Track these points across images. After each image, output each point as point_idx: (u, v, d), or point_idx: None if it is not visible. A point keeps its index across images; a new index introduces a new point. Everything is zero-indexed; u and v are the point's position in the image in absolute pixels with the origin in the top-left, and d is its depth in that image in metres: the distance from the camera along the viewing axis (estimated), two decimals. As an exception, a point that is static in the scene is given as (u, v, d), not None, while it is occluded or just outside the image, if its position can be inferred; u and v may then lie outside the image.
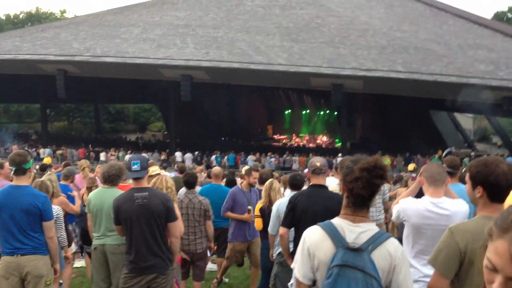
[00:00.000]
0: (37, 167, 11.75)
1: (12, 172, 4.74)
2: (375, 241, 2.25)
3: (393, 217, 3.78)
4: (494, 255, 1.02)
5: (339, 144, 38.36)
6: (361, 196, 2.27)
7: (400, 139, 31.52)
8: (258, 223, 6.63)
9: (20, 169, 4.64)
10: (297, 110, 45.95)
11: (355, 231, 2.28)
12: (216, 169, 8.52)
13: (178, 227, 4.82)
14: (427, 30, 32.17)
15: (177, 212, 5.38)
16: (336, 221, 2.34)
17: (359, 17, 33.92)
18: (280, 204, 5.86)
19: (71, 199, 7.54)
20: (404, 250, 2.43)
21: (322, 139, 44.40)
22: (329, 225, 2.33)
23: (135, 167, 4.77)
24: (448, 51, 28.71)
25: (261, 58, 28.26)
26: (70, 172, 8.39)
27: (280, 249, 5.78)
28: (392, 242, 2.29)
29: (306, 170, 12.15)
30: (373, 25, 32.57)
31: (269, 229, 5.73)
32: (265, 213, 6.32)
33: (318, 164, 4.79)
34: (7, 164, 5.64)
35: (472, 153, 30.52)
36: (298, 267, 2.37)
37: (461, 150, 32.32)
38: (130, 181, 5.19)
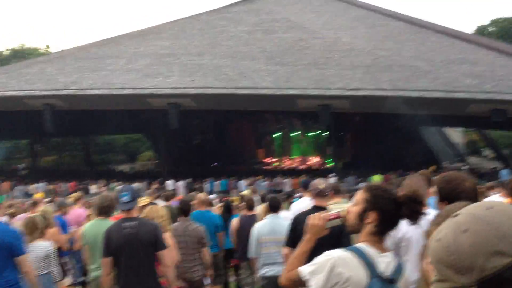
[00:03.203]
0: (29, 202, 11.63)
1: None
2: (400, 271, 2.29)
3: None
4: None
5: (331, 164, 38.41)
6: (395, 224, 2.32)
7: (392, 156, 31.64)
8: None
9: None
10: (286, 132, 46.08)
11: (384, 260, 2.27)
12: (201, 195, 8.54)
13: (168, 256, 4.77)
14: (410, 48, 32.60)
15: (170, 241, 5.37)
16: (364, 248, 2.29)
17: (342, 38, 34.31)
18: (258, 228, 5.86)
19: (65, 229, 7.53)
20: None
21: (313, 160, 44.46)
22: (360, 252, 2.26)
23: (124, 199, 4.79)
24: (432, 67, 29.07)
25: (247, 83, 28.44)
26: (61, 204, 8.41)
27: (262, 272, 5.77)
28: (405, 271, 2.35)
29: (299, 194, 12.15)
30: (357, 45, 32.96)
31: (249, 253, 5.72)
32: None
33: (322, 186, 4.86)
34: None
35: (464, 167, 30.69)
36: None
37: (453, 164, 32.46)
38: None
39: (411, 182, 3.77)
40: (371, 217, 2.31)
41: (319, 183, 4.99)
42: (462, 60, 30.04)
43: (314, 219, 2.57)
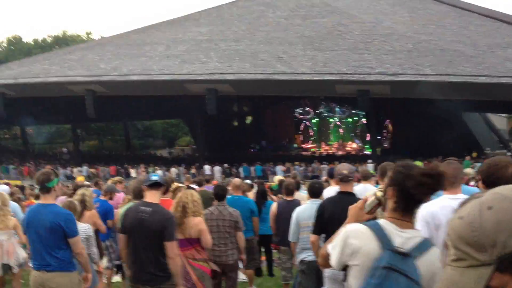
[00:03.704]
0: (69, 186, 11.94)
1: (38, 191, 4.83)
2: (421, 248, 2.24)
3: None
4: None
5: (369, 150, 37.95)
6: (416, 201, 2.28)
7: (433, 142, 30.96)
8: None
9: (44, 188, 4.75)
10: (324, 118, 45.72)
11: (402, 236, 2.26)
12: (236, 180, 8.56)
13: (173, 247, 4.76)
14: (453, 32, 31.72)
15: (203, 225, 5.40)
16: (383, 223, 2.31)
17: (383, 22, 33.65)
18: (298, 212, 5.82)
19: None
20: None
21: (352, 146, 44.02)
22: (376, 226, 2.29)
23: (153, 177, 4.97)
24: (476, 51, 28.22)
25: (285, 68, 28.27)
26: (110, 189, 8.55)
27: (301, 257, 5.74)
28: (435, 250, 2.28)
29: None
30: (398, 29, 32.27)
31: (289, 237, 5.72)
32: None
33: (345, 171, 4.81)
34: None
35: (508, 154, 29.81)
36: (335, 260, 2.34)
37: (496, 151, 31.61)
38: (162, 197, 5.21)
39: (446, 167, 3.65)
40: (389, 192, 2.32)
41: (343, 168, 4.92)
42: (507, 44, 29.03)
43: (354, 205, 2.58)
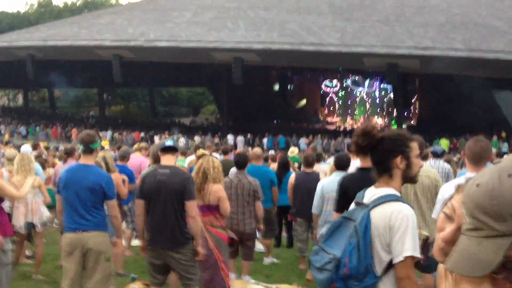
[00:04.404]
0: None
1: (81, 151, 4.91)
2: (377, 201, 2.42)
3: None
4: (458, 203, 1.11)
5: (395, 126, 37.48)
6: (376, 163, 2.54)
7: (460, 120, 30.35)
8: None
9: (88, 149, 4.81)
10: (351, 91, 45.16)
11: (374, 193, 2.49)
12: (257, 150, 8.52)
13: (194, 207, 4.82)
14: (488, 6, 30.69)
15: (222, 193, 5.39)
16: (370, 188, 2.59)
17: (415, -6, 32.77)
18: (324, 185, 5.75)
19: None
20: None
21: (378, 121, 43.55)
22: (360, 192, 2.60)
23: (167, 143, 5.07)
24: (511, 27, 27.33)
25: (313, 39, 27.82)
26: (125, 153, 8.49)
27: (323, 230, 5.67)
28: (395, 204, 2.40)
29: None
30: (430, 1, 31.38)
31: (312, 209, 5.67)
32: None
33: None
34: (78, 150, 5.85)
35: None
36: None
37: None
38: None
39: (473, 145, 3.53)
40: None
41: None
42: (545, 20, 28.05)
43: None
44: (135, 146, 10.88)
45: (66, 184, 4.77)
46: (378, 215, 2.37)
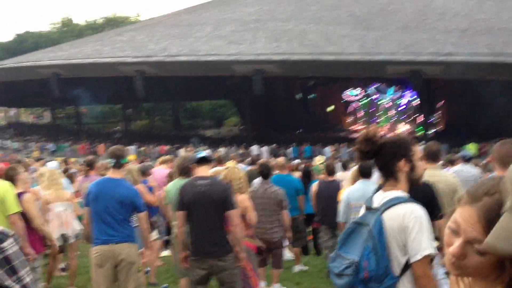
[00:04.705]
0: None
1: (110, 165, 5.04)
2: (388, 203, 2.47)
3: None
4: (460, 218, 1.13)
5: (420, 133, 37.13)
6: (381, 167, 2.60)
7: (489, 125, 29.92)
8: None
9: (118, 163, 4.95)
10: (374, 99, 44.92)
11: (383, 196, 2.54)
12: (281, 159, 8.57)
13: (236, 215, 4.88)
14: (510, 10, 30.33)
15: (247, 202, 5.43)
16: (377, 192, 2.65)
17: (436, 1, 32.56)
18: (349, 193, 5.75)
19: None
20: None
21: (402, 128, 43.14)
22: (369, 197, 2.67)
23: (202, 154, 5.11)
24: (534, 30, 26.96)
25: (333, 48, 27.83)
26: (146, 168, 8.67)
27: None
28: (406, 205, 2.45)
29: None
30: (452, 7, 31.15)
31: (338, 217, 5.69)
32: None
33: None
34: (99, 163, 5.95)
35: None
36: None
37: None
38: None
39: (499, 148, 3.50)
40: None
41: None
42: None
43: None
44: (160, 159, 11.03)
45: (96, 197, 4.86)
46: (391, 217, 2.42)
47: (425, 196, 4.34)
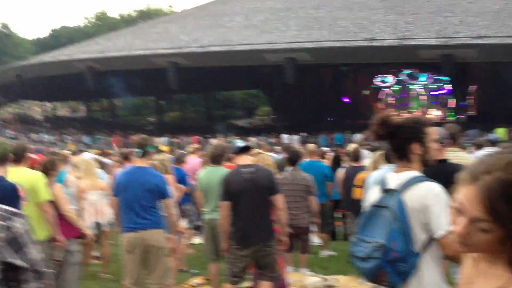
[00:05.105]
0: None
1: (136, 154, 5.22)
2: (407, 184, 2.52)
3: None
4: (463, 197, 1.15)
5: (452, 118, 36.53)
6: (394, 149, 2.67)
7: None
8: (358, 194, 6.63)
9: (144, 152, 5.12)
10: (406, 85, 44.27)
11: (398, 178, 2.59)
12: (311, 145, 8.65)
13: (282, 199, 5.01)
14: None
15: None
16: (386, 174, 2.74)
17: (469, -17, 31.87)
18: (374, 178, 5.75)
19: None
20: None
21: (434, 113, 42.45)
22: (380, 179, 2.76)
23: (239, 144, 5.25)
24: None
25: (365, 35, 27.63)
26: (180, 156, 8.89)
27: None
28: (425, 184, 2.52)
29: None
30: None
31: (363, 202, 5.69)
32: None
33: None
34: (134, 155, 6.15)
35: None
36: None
37: None
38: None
39: None
40: None
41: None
42: None
43: None
44: (189, 148, 11.26)
45: (125, 186, 5.05)
46: (411, 197, 2.48)
47: (443, 174, 4.34)
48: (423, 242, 2.48)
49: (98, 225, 7.00)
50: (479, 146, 7.86)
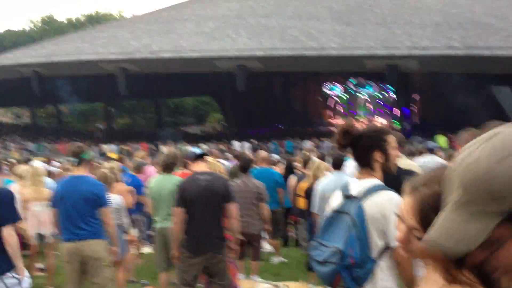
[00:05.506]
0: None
1: (74, 163, 5.16)
2: (368, 192, 2.61)
3: None
4: (403, 206, 1.19)
5: (397, 126, 37.70)
6: (357, 158, 2.78)
7: (462, 117, 30.54)
8: (301, 203, 6.82)
9: (78, 159, 5.06)
10: (353, 94, 45.47)
11: (360, 185, 2.68)
12: (263, 153, 8.78)
13: (236, 208, 5.11)
14: (483, 4, 30.98)
15: None
16: (350, 181, 2.82)
17: (411, -5, 33.09)
18: (324, 184, 5.96)
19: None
20: None
21: (380, 121, 43.74)
22: (343, 185, 2.83)
23: (198, 150, 5.35)
24: (506, 24, 27.57)
25: (314, 44, 28.16)
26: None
27: None
28: (384, 193, 2.62)
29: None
30: (427, 2, 31.70)
31: (314, 209, 5.86)
32: (310, 193, 6.48)
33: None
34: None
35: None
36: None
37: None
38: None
39: (466, 136, 3.78)
40: None
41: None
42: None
43: None
44: (137, 155, 11.22)
45: (62, 196, 4.99)
46: (371, 205, 2.56)
47: (400, 182, 4.58)
48: (379, 249, 2.57)
49: (40, 236, 6.81)
50: (420, 153, 8.27)
